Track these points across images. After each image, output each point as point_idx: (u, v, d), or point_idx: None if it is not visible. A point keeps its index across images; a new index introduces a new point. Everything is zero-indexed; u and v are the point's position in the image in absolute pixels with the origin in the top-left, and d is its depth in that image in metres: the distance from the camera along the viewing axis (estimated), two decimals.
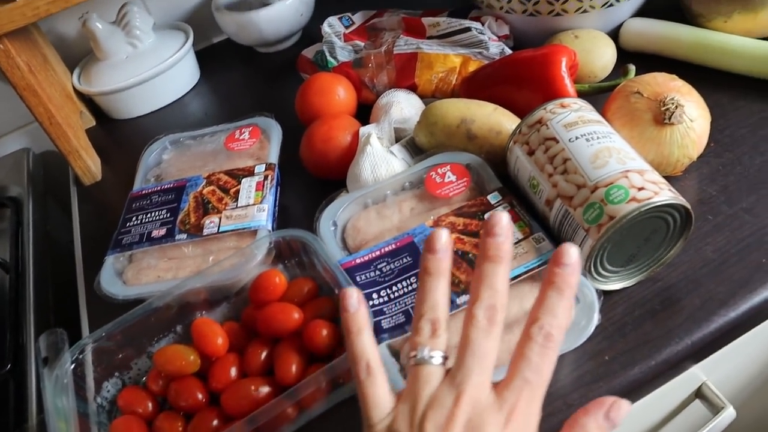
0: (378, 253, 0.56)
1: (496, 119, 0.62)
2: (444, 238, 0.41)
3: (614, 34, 0.77)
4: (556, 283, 0.38)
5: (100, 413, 0.55)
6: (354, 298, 0.42)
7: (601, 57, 0.72)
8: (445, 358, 0.39)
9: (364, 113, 0.75)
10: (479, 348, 0.37)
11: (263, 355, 0.54)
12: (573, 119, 0.56)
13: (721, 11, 0.71)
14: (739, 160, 0.63)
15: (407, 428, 0.37)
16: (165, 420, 0.53)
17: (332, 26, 0.83)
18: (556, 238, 0.54)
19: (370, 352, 0.40)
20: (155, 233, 0.65)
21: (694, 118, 0.59)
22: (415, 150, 0.67)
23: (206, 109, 0.92)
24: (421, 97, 0.73)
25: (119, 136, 0.92)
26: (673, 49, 0.74)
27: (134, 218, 0.68)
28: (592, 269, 0.52)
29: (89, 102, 0.96)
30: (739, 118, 0.68)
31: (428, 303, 0.40)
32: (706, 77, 0.70)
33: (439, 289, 0.40)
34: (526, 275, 0.51)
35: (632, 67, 0.67)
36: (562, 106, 0.58)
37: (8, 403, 0.64)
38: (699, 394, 0.67)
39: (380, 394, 0.39)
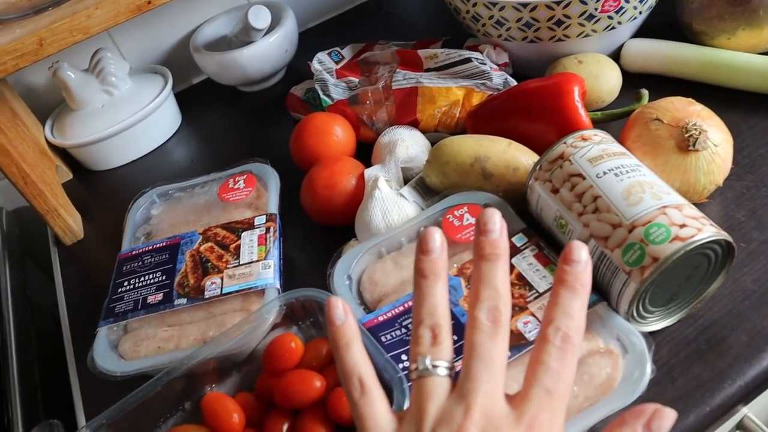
0: (401, 308, 0.52)
1: (511, 155, 0.59)
2: (438, 237, 0.37)
3: (614, 56, 0.74)
4: (568, 282, 0.35)
5: None
6: (339, 309, 0.37)
7: (608, 81, 0.69)
8: (451, 368, 0.35)
9: (363, 152, 0.71)
10: (486, 353, 0.33)
11: (284, 429, 0.49)
12: (597, 153, 0.53)
13: (725, 28, 0.69)
14: (763, 181, 0.61)
15: None
16: None
17: (322, 63, 0.79)
18: (592, 280, 0.50)
19: (362, 367, 0.36)
20: (151, 299, 0.60)
21: (718, 143, 0.56)
22: (426, 191, 0.63)
23: (191, 155, 0.87)
24: (424, 132, 0.70)
25: (100, 189, 0.87)
26: (678, 68, 0.71)
27: (126, 283, 0.62)
28: (635, 313, 0.48)
29: (64, 154, 0.90)
30: (754, 137, 0.65)
31: (426, 308, 0.36)
32: (713, 96, 0.67)
33: (437, 293, 0.36)
34: None
35: (645, 92, 0.64)
36: (583, 139, 0.55)
37: None
38: (740, 426, 0.64)
39: (378, 413, 0.35)
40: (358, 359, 0.36)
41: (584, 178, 0.52)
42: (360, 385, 0.35)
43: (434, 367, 0.34)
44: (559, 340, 0.33)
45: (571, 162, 0.54)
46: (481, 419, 0.32)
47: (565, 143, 0.55)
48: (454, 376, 0.35)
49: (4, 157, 0.72)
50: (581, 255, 0.35)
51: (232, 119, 0.92)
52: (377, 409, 0.35)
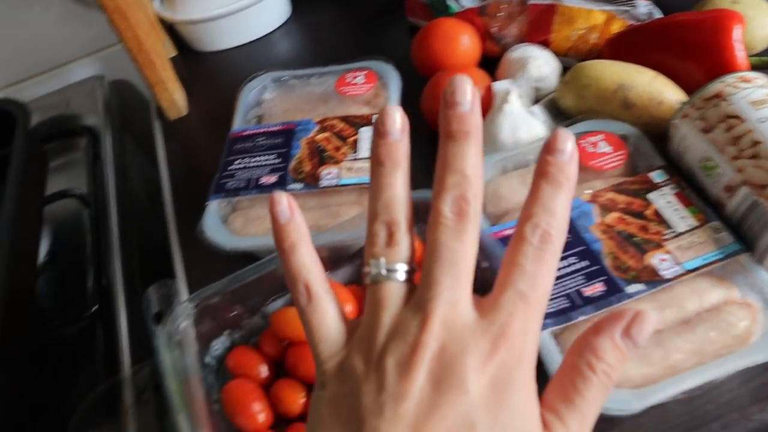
0: None
1: (657, 88, 0.56)
2: (398, 118, 0.30)
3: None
4: (551, 174, 0.28)
5: (207, 373, 0.51)
6: (283, 205, 0.31)
7: (763, 27, 0.64)
8: (411, 271, 0.30)
9: (483, 67, 0.68)
10: (449, 252, 0.28)
11: None
12: (760, 96, 0.50)
13: None
14: None
15: (363, 366, 0.28)
16: (284, 388, 0.49)
17: None
18: (735, 228, 0.48)
19: (309, 272, 0.31)
20: (264, 180, 0.59)
21: None
22: (555, 113, 0.60)
23: (298, 49, 0.85)
24: (554, 54, 0.66)
25: (203, 70, 0.86)
26: None
27: (238, 161, 0.62)
28: None
29: (170, 31, 0.89)
30: None
31: (382, 201, 0.30)
32: None
33: (396, 183, 0.30)
34: (704, 269, 0.46)
35: None
36: (744, 81, 0.51)
37: (96, 349, 0.59)
38: None
39: (327, 322, 0.30)
40: (306, 262, 0.31)
41: (743, 121, 0.49)
42: (306, 291, 0.31)
43: (390, 271, 0.29)
44: (537, 239, 0.28)
45: (729, 102, 0.50)
46: (441, 331, 0.27)
47: (722, 82, 0.52)
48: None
49: (122, 21, 0.71)
50: (567, 144, 0.29)
51: (341, 19, 0.89)
52: (326, 317, 0.30)
